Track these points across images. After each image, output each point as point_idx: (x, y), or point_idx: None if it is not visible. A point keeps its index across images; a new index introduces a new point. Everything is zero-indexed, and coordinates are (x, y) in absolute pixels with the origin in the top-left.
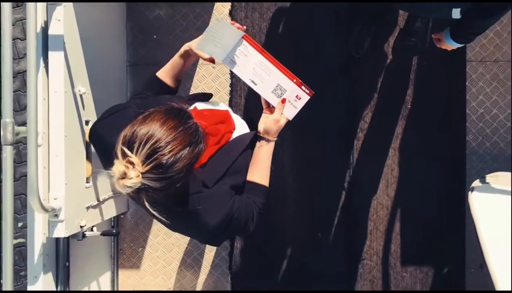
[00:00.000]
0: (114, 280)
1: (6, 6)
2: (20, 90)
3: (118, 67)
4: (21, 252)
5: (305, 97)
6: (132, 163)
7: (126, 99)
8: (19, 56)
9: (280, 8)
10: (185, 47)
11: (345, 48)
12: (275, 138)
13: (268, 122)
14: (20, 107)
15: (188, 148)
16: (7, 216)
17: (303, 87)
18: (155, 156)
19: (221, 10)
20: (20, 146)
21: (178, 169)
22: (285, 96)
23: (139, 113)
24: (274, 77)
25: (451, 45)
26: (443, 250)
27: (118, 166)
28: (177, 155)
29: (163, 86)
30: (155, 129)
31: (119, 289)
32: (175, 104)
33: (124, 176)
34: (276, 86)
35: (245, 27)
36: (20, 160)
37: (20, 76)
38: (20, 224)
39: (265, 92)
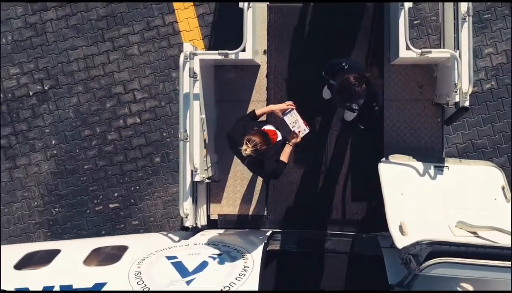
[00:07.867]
0: (207, 208)
1: (185, 79)
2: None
3: (211, 103)
4: (116, 213)
5: (307, 130)
6: (249, 147)
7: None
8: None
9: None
10: (270, 109)
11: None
12: (292, 146)
13: (291, 138)
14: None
15: (266, 145)
16: (181, 184)
17: (307, 125)
18: (256, 146)
19: (262, 73)
20: (116, 144)
21: (262, 151)
22: (296, 127)
23: (245, 131)
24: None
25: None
26: (371, 193)
27: (244, 147)
28: (262, 147)
29: (255, 116)
30: (256, 137)
31: (210, 213)
32: (260, 130)
33: (245, 151)
34: (295, 121)
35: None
36: (116, 151)
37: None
38: (115, 194)
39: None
